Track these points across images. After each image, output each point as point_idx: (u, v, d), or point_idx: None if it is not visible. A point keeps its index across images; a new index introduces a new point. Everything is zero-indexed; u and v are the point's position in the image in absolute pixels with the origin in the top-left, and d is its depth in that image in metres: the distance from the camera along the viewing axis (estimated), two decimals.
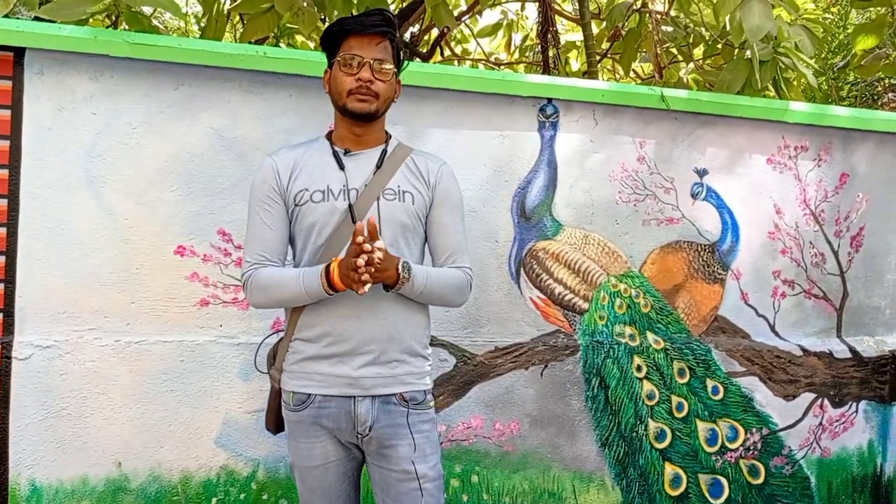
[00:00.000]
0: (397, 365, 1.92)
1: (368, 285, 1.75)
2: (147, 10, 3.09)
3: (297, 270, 1.89)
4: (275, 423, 2.03)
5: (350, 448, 1.94)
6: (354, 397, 1.88)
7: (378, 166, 1.95)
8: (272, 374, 2.01)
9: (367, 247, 1.73)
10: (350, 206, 1.89)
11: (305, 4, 3.46)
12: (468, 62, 6.89)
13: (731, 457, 3.01)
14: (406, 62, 2.05)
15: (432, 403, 2.00)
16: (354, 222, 1.86)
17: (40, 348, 2.37)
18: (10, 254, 2.35)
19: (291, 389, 1.93)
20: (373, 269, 1.74)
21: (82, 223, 2.40)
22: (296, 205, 1.93)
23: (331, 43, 1.94)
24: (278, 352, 2.00)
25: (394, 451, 1.90)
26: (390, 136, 2.04)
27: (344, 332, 1.88)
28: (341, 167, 1.94)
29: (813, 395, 3.15)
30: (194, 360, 2.50)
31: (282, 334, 2.00)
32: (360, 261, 1.72)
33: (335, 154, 1.96)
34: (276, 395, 2.01)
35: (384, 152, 1.98)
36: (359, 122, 1.93)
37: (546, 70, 5.03)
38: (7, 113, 2.34)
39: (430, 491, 1.90)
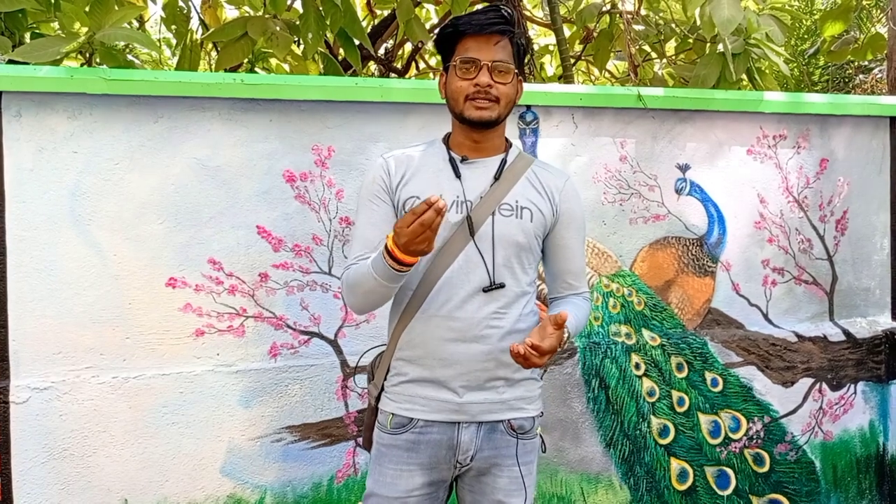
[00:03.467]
0: (506, 389, 1.81)
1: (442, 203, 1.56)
2: (121, 43, 3.10)
3: (370, 259, 1.73)
4: (371, 441, 1.91)
5: (437, 488, 1.83)
6: (459, 423, 1.79)
7: (496, 177, 1.81)
8: (370, 389, 1.91)
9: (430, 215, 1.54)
10: (469, 217, 1.76)
11: (278, 29, 3.47)
12: None
13: (735, 447, 3.03)
14: (528, 57, 1.91)
15: (539, 429, 1.90)
16: (472, 235, 1.76)
17: (38, 390, 2.35)
18: (1, 298, 2.33)
19: (392, 411, 1.82)
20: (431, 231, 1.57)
21: (71, 262, 2.39)
22: (405, 211, 1.78)
23: (445, 45, 1.81)
24: (378, 368, 1.90)
25: (492, 481, 1.81)
26: (511, 145, 1.90)
27: (447, 357, 1.77)
28: (457, 175, 1.81)
29: (811, 380, 3.17)
30: (193, 391, 2.49)
31: (382, 348, 1.92)
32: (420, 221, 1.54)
33: (451, 161, 1.83)
34: (371, 412, 1.90)
35: (504, 162, 1.84)
36: (478, 129, 1.80)
37: (522, 76, 5.05)
38: None
39: None
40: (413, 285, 1.82)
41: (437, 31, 1.84)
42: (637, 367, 2.92)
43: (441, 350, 1.77)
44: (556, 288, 1.93)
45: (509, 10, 1.78)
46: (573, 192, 1.91)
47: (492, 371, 1.79)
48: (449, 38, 1.80)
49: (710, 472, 2.99)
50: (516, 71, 1.81)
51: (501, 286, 1.76)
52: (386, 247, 1.64)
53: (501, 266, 1.78)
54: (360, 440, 2.60)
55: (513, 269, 1.80)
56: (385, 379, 1.86)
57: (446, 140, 1.90)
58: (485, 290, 1.77)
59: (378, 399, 1.88)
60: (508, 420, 1.82)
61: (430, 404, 1.79)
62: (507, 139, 1.90)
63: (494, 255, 1.76)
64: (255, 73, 4.68)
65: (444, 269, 1.77)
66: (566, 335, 1.70)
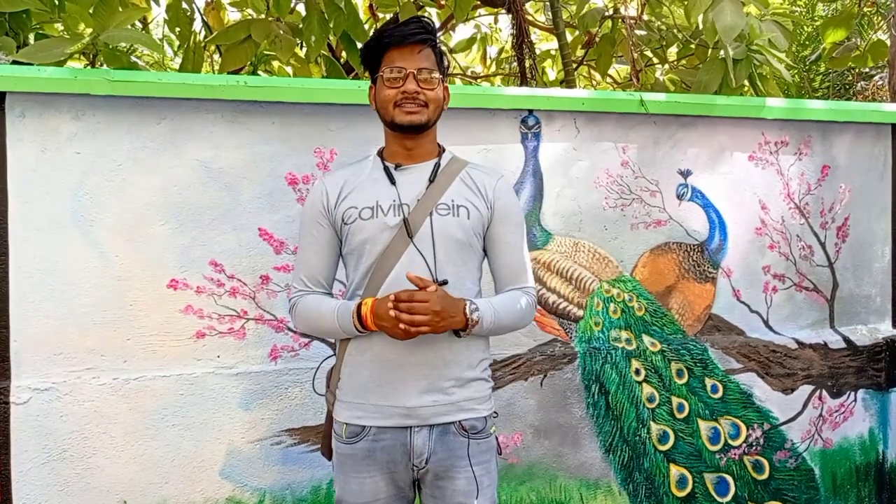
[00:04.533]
0: (455, 390, 1.83)
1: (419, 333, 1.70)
2: (124, 45, 3.10)
3: (334, 304, 1.84)
4: (330, 449, 1.95)
5: (402, 487, 1.86)
6: (411, 428, 1.81)
7: (431, 180, 1.88)
8: (327, 396, 1.94)
9: (404, 315, 1.68)
10: (405, 219, 1.82)
11: (282, 32, 3.48)
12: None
13: (734, 454, 3.02)
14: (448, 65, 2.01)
15: (493, 429, 1.92)
16: (410, 237, 1.81)
17: (38, 391, 2.35)
18: (3, 298, 2.33)
19: (345, 421, 1.85)
20: (426, 324, 1.68)
21: (73, 263, 2.39)
22: (344, 223, 1.87)
23: (371, 58, 1.89)
24: (332, 376, 1.93)
25: (450, 484, 1.83)
26: (444, 150, 1.97)
27: (395, 358, 1.81)
28: (392, 182, 1.87)
29: (811, 388, 3.17)
30: (193, 392, 2.49)
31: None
32: (397, 314, 1.68)
33: (386, 169, 1.89)
34: (329, 419, 1.94)
35: (437, 165, 1.90)
36: (409, 134, 1.86)
37: (523, 81, 5.06)
38: None
39: None
40: (359, 290, 1.87)
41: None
42: (637, 372, 2.92)
43: (389, 351, 1.81)
44: (499, 284, 1.95)
45: (429, 21, 1.90)
46: (507, 189, 1.97)
47: (440, 370, 1.82)
48: (374, 51, 1.89)
49: (709, 478, 2.99)
50: (441, 77, 1.89)
51: (445, 283, 1.79)
52: (359, 314, 1.77)
53: (444, 263, 1.83)
54: None
55: (455, 266, 1.84)
56: (337, 387, 1.90)
57: (381, 153, 1.96)
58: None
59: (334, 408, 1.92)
60: (459, 421, 1.85)
61: (382, 410, 1.82)
62: (439, 144, 1.97)
63: (435, 253, 1.81)
64: (258, 75, 4.68)
65: (388, 272, 1.82)
66: (474, 312, 1.76)
